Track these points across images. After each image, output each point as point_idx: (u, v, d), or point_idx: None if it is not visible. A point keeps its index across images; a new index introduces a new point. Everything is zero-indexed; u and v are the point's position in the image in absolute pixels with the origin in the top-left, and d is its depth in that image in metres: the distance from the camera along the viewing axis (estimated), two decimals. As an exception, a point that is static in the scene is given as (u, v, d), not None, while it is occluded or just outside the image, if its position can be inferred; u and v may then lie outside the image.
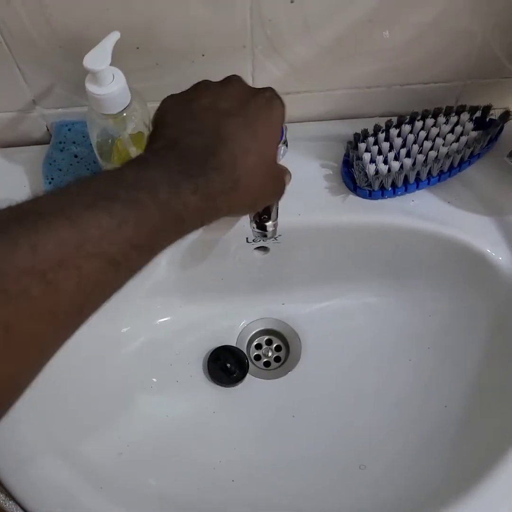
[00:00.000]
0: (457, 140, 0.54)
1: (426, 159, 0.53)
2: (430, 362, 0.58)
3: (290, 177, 0.46)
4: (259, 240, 0.55)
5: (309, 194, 0.56)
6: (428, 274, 0.59)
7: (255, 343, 0.64)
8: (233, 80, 0.42)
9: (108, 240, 0.27)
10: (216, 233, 0.56)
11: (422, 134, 0.54)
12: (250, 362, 0.61)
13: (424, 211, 0.56)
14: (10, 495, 0.44)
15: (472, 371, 0.56)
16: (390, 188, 0.55)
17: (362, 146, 0.54)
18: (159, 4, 0.47)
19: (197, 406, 0.58)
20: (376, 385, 0.59)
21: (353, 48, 0.52)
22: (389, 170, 0.53)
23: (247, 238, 0.56)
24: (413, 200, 0.56)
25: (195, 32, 0.49)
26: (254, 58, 0.52)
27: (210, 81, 0.42)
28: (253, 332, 0.64)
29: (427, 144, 0.53)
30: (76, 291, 0.26)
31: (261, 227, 0.48)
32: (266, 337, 0.64)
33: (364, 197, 0.56)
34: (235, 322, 0.64)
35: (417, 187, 0.55)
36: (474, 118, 0.55)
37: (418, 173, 0.54)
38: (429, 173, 0.54)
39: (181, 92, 0.42)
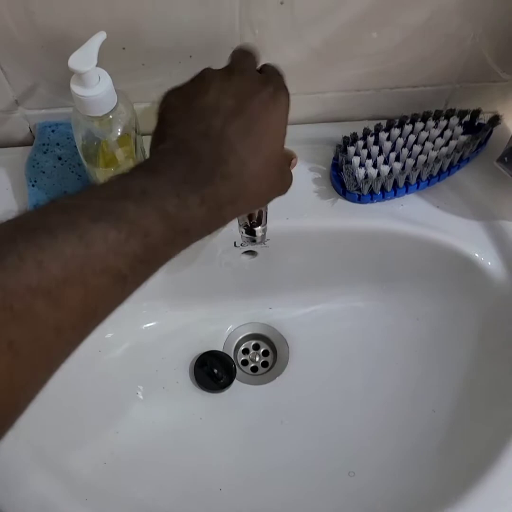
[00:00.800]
0: (447, 144, 0.54)
1: (415, 163, 0.53)
2: (418, 366, 0.58)
3: (296, 160, 0.44)
4: (248, 245, 0.54)
5: (298, 198, 0.55)
6: (416, 278, 0.59)
7: (242, 348, 0.63)
8: (237, 69, 0.39)
9: (114, 255, 0.27)
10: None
11: (412, 138, 0.54)
12: (237, 368, 0.61)
13: (413, 216, 0.55)
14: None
15: (460, 375, 0.56)
16: (379, 192, 0.54)
17: (351, 149, 0.54)
18: (145, 4, 0.46)
19: (184, 412, 0.58)
20: (364, 389, 0.58)
21: (343, 51, 0.52)
22: (378, 174, 0.53)
23: (235, 242, 0.56)
24: (402, 205, 0.56)
25: (182, 32, 0.48)
26: (242, 60, 0.51)
27: (214, 71, 0.40)
28: (240, 337, 0.64)
29: (417, 148, 0.53)
30: (82, 307, 0.26)
31: (250, 232, 0.47)
32: (253, 342, 0.64)
33: (353, 201, 0.55)
34: (222, 326, 0.63)
35: (406, 191, 0.55)
36: (463, 122, 0.55)
37: (407, 177, 0.54)
38: (419, 177, 0.54)
39: (184, 85, 0.40)
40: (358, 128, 0.56)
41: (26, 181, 0.53)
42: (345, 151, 0.55)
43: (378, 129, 0.55)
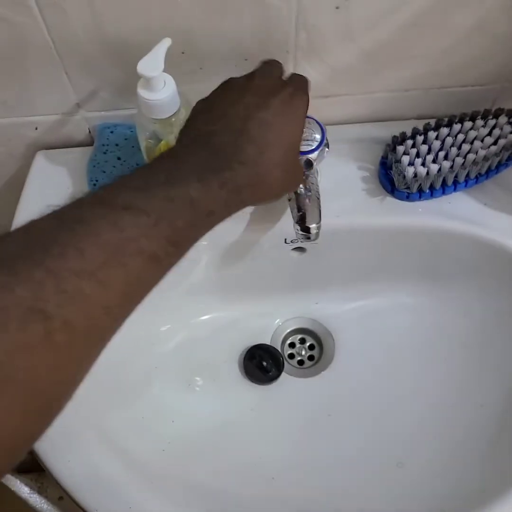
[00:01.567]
0: (495, 143, 0.54)
1: (464, 162, 0.54)
2: (466, 362, 0.59)
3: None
4: (302, 242, 0.56)
5: (347, 196, 0.57)
6: (463, 275, 0.60)
7: (288, 341, 0.65)
8: (258, 75, 0.43)
9: (147, 238, 0.29)
10: (255, 234, 0.57)
11: (460, 137, 0.55)
12: (284, 361, 0.62)
13: (460, 213, 0.56)
14: (62, 489, 0.45)
15: (508, 371, 0.56)
16: (427, 191, 0.55)
17: (401, 148, 0.55)
18: (204, 10, 0.48)
19: (235, 404, 0.59)
20: (410, 384, 0.59)
21: (394, 53, 0.53)
22: (427, 172, 0.54)
23: (285, 239, 0.57)
24: (449, 202, 0.57)
25: (238, 37, 0.50)
26: (296, 63, 0.53)
27: (236, 78, 0.44)
28: (287, 331, 0.65)
29: (466, 147, 0.54)
30: (124, 286, 0.28)
31: (305, 229, 0.49)
32: (299, 336, 0.65)
33: (401, 199, 0.56)
34: (270, 321, 0.65)
35: (454, 189, 0.56)
36: (511, 121, 0.56)
37: (455, 176, 0.55)
38: (467, 175, 0.55)
39: (210, 93, 0.44)
40: (405, 127, 0.57)
41: (87, 180, 0.55)
42: (394, 150, 0.56)
43: (427, 128, 0.56)
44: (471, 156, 0.54)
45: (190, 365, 0.61)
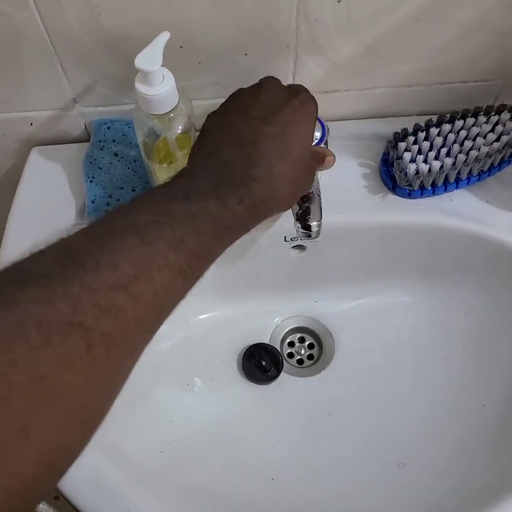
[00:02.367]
0: (498, 139, 0.54)
1: (466, 159, 0.53)
2: (466, 360, 0.58)
3: (334, 158, 0.46)
4: (303, 240, 0.55)
5: (348, 193, 0.56)
6: (464, 273, 0.59)
7: (288, 340, 0.64)
8: (264, 86, 0.43)
9: (174, 252, 0.30)
10: (254, 232, 0.56)
11: (463, 133, 0.54)
12: (283, 360, 0.62)
13: (462, 211, 0.56)
14: (57, 494, 0.44)
15: (510, 369, 0.56)
16: (430, 188, 0.55)
17: (402, 145, 0.54)
18: (203, 4, 0.47)
19: (234, 404, 0.59)
20: (411, 383, 0.59)
21: (395, 48, 0.52)
22: (429, 169, 0.53)
23: (285, 237, 0.56)
24: (451, 199, 0.56)
25: (239, 31, 0.49)
26: (296, 57, 0.52)
27: (244, 89, 0.44)
28: (286, 330, 0.64)
29: (468, 144, 0.53)
30: (153, 299, 0.29)
31: (306, 227, 0.48)
32: (299, 335, 0.65)
33: (403, 196, 0.56)
34: (269, 319, 0.64)
35: (457, 187, 0.55)
36: (514, 117, 0.55)
37: (458, 173, 0.54)
38: (469, 172, 0.54)
39: (220, 106, 0.44)
40: (406, 123, 0.56)
41: (83, 177, 0.54)
42: (395, 146, 0.55)
43: (429, 124, 0.55)
44: (473, 153, 0.53)
45: (188, 365, 0.60)
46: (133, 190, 0.54)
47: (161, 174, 0.49)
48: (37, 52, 0.49)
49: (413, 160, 0.54)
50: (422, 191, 0.55)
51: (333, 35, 0.50)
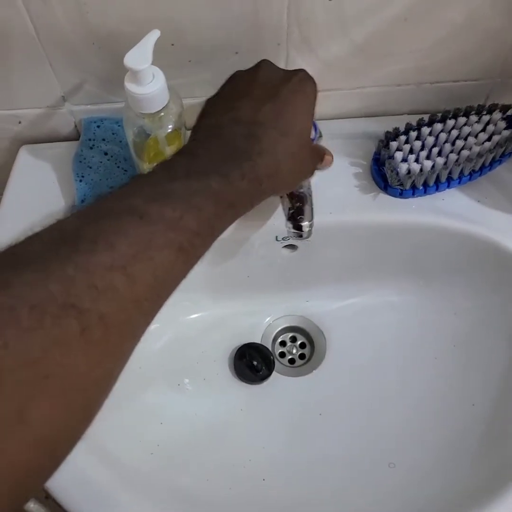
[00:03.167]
0: (489, 139, 0.54)
1: (458, 158, 0.53)
2: (456, 360, 0.58)
3: (332, 158, 0.46)
4: (293, 239, 0.55)
5: (340, 192, 0.56)
6: (455, 273, 0.59)
7: (279, 340, 0.64)
8: (263, 66, 0.43)
9: (173, 231, 0.29)
10: (246, 231, 0.56)
11: (454, 132, 0.54)
12: (275, 360, 0.61)
13: (454, 210, 0.56)
14: (47, 493, 0.44)
15: (499, 369, 0.56)
16: (421, 187, 0.55)
17: (394, 144, 0.54)
18: (194, 1, 0.46)
19: (225, 404, 0.58)
20: (402, 383, 0.59)
21: (387, 47, 0.52)
22: (421, 169, 0.53)
23: (276, 237, 0.56)
24: (443, 199, 0.56)
25: (229, 29, 0.49)
26: (287, 56, 0.51)
27: (242, 71, 0.43)
28: (278, 329, 0.64)
29: (460, 143, 0.53)
30: (153, 279, 0.28)
31: (297, 227, 0.48)
32: (290, 334, 0.65)
33: (394, 196, 0.56)
34: (260, 319, 0.64)
35: (448, 186, 0.55)
36: (506, 116, 0.55)
37: (450, 172, 0.54)
38: (461, 172, 0.54)
39: (219, 89, 0.43)
40: (397, 122, 0.56)
41: (73, 176, 0.54)
42: (387, 146, 0.55)
43: (420, 124, 0.55)
44: (465, 153, 0.53)
45: (179, 365, 0.60)
46: (123, 190, 0.53)
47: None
48: (25, 50, 0.48)
49: (404, 160, 0.54)
50: (413, 191, 0.55)
51: (324, 35, 0.50)
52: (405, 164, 0.53)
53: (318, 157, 0.46)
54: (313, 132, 0.50)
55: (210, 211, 0.32)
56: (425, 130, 0.54)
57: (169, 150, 0.47)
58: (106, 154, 0.54)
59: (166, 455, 0.52)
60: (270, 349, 0.62)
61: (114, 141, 0.55)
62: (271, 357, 0.61)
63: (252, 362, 0.60)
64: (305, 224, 0.48)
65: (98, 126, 0.55)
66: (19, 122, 0.56)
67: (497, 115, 0.54)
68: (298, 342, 0.64)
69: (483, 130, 0.54)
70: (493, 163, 0.55)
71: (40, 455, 0.24)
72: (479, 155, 0.53)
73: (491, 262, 0.56)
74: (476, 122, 0.54)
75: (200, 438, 0.55)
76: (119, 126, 0.55)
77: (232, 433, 0.57)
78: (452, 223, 0.55)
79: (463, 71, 0.56)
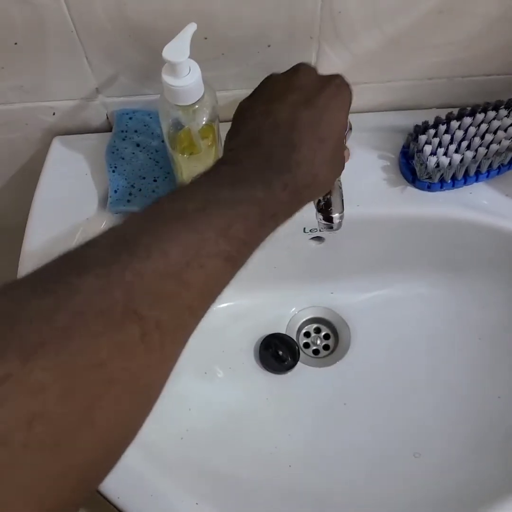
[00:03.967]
0: (519, 133, 0.54)
1: (487, 152, 0.53)
2: (483, 353, 0.59)
3: (349, 154, 0.47)
4: (324, 231, 0.55)
5: (368, 185, 0.56)
6: (483, 267, 0.59)
7: (304, 331, 0.65)
8: (300, 71, 0.42)
9: (222, 239, 0.30)
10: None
11: (484, 126, 0.54)
12: (300, 350, 0.62)
13: (482, 204, 0.56)
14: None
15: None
16: (449, 181, 0.55)
17: (423, 138, 0.54)
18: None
19: (251, 392, 0.59)
20: (427, 375, 0.59)
21: (420, 41, 0.52)
22: (449, 162, 0.53)
23: (304, 228, 0.57)
24: (470, 193, 0.56)
25: (263, 23, 0.49)
26: (319, 49, 0.52)
27: (278, 74, 0.43)
28: (303, 320, 0.65)
29: (489, 137, 0.53)
30: (203, 286, 0.29)
31: (328, 219, 0.48)
32: (315, 326, 0.65)
33: (422, 189, 0.56)
34: (285, 310, 0.65)
35: (476, 180, 0.56)
36: (536, 111, 0.55)
37: (478, 166, 0.54)
38: (489, 166, 0.54)
39: (253, 91, 0.43)
40: (426, 116, 0.56)
41: (106, 166, 0.55)
42: (416, 139, 0.55)
43: (449, 117, 0.55)
44: (494, 147, 0.53)
45: (206, 354, 0.60)
46: (155, 180, 0.54)
47: (184, 164, 0.50)
48: (62, 42, 0.49)
49: (433, 153, 0.54)
50: (442, 184, 0.55)
51: (357, 28, 0.50)
52: (434, 157, 0.53)
53: (347, 156, 0.46)
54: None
55: (255, 220, 0.33)
56: (455, 123, 0.54)
57: (203, 143, 0.48)
58: (138, 145, 0.55)
59: (195, 440, 0.54)
60: (295, 339, 0.63)
61: (146, 132, 0.56)
62: (296, 347, 0.62)
63: (277, 352, 0.61)
64: (335, 216, 0.48)
65: (130, 118, 0.56)
66: (53, 114, 0.57)
67: (527, 109, 0.54)
68: (323, 333, 0.65)
69: (513, 124, 0.54)
70: (522, 157, 0.55)
71: (104, 454, 0.25)
72: (509, 149, 0.53)
73: (518, 256, 0.56)
74: (506, 116, 0.54)
75: (226, 425, 0.56)
76: (151, 118, 0.56)
77: (258, 420, 0.57)
78: (480, 217, 0.55)
79: (496, 65, 0.56)
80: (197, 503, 0.46)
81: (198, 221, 0.30)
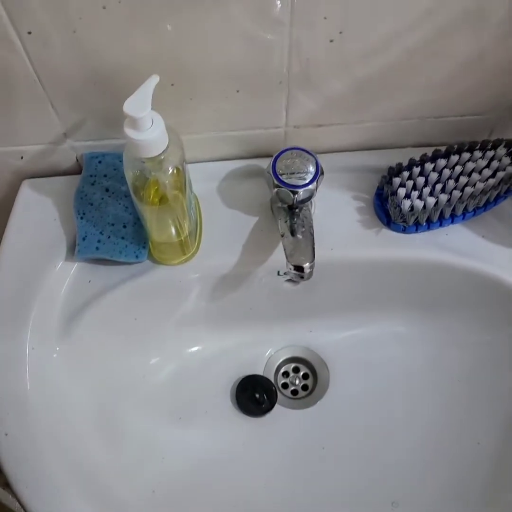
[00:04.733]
0: (494, 175, 0.53)
1: (461, 195, 0.52)
2: (461, 396, 0.58)
3: None
4: (295, 280, 0.54)
5: (342, 227, 0.56)
6: (460, 307, 0.58)
7: (282, 371, 0.64)
8: None
9: None
10: (248, 266, 0.55)
11: (458, 168, 0.53)
12: (278, 391, 0.61)
13: (457, 245, 0.55)
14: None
15: (506, 406, 0.55)
16: (425, 223, 0.54)
17: (397, 180, 0.54)
18: (195, 43, 0.46)
19: (226, 438, 0.58)
20: (406, 417, 0.58)
21: (389, 83, 0.51)
22: (424, 206, 0.52)
23: (278, 272, 0.56)
24: (446, 234, 0.56)
25: (231, 69, 0.49)
26: (289, 93, 0.51)
27: None
28: (281, 360, 0.64)
29: (463, 180, 0.53)
30: None
31: (298, 268, 0.47)
32: (293, 365, 0.64)
33: (397, 231, 0.55)
34: (262, 350, 0.64)
35: (452, 222, 0.55)
36: (510, 152, 0.54)
37: (453, 208, 0.53)
38: (465, 208, 0.53)
39: None
40: (401, 155, 0.56)
41: (74, 213, 0.54)
42: (390, 181, 0.54)
43: (423, 159, 0.55)
44: (468, 190, 0.52)
45: (181, 398, 0.59)
46: (124, 227, 0.53)
47: (153, 215, 0.49)
48: (27, 90, 0.48)
49: (407, 196, 0.53)
50: (417, 227, 0.54)
51: (326, 73, 0.50)
52: (408, 200, 0.53)
53: None
54: (314, 173, 0.49)
55: None
56: (429, 166, 0.54)
57: (170, 191, 0.47)
58: (107, 190, 0.54)
59: (168, 492, 0.52)
60: (272, 380, 0.62)
61: (116, 177, 0.54)
62: (274, 388, 0.61)
63: (254, 395, 0.60)
64: (306, 265, 0.47)
65: (100, 162, 0.55)
66: (21, 157, 0.56)
67: (501, 150, 0.54)
68: (301, 373, 0.63)
69: (487, 166, 0.53)
70: (498, 198, 0.54)
71: None
72: (483, 192, 0.52)
73: (495, 298, 0.56)
74: (480, 157, 0.54)
75: (202, 474, 0.55)
76: (120, 161, 0.55)
77: (234, 468, 0.56)
78: (456, 258, 0.55)
79: (469, 106, 0.55)
80: None
81: None
